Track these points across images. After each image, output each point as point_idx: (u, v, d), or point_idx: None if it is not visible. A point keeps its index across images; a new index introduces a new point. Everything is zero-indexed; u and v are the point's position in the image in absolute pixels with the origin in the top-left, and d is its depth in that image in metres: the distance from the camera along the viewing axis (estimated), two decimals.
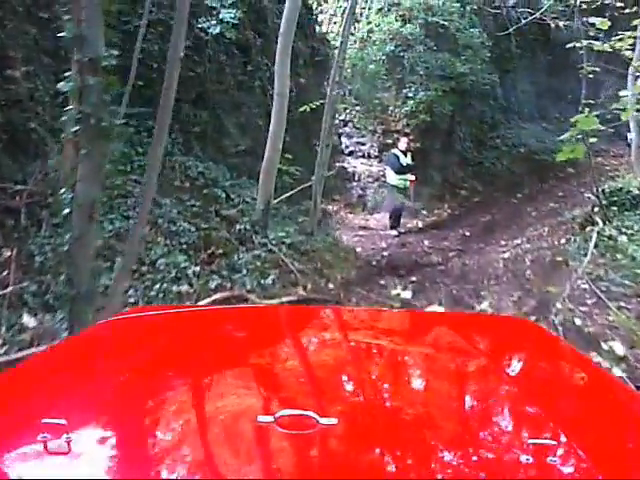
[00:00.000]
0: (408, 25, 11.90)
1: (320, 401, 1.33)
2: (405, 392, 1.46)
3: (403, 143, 11.70)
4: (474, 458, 1.16)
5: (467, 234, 11.99)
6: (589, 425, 1.32)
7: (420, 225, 12.69)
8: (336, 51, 9.04)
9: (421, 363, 1.70)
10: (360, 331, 1.99)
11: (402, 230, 12.27)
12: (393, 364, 1.65)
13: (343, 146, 13.67)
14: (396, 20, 11.87)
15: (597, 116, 19.33)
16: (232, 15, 6.19)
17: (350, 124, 13.37)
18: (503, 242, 11.03)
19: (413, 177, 11.61)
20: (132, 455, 1.15)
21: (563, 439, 1.19)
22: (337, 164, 13.69)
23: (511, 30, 12.99)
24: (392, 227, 11.92)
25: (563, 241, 8.68)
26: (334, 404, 1.32)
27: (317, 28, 8.85)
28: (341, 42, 6.67)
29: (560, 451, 1.11)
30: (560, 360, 1.80)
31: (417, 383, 1.58)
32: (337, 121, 12.82)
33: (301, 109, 7.02)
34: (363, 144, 13.33)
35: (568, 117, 17.91)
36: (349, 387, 1.49)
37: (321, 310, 2.81)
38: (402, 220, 12.64)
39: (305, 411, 1.15)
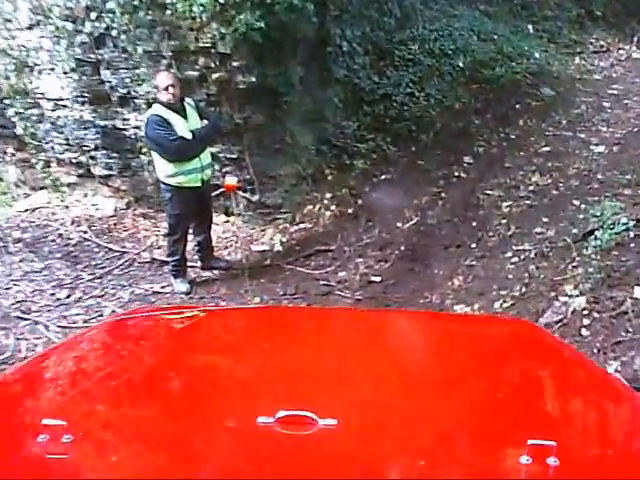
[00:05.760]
0: None
1: (320, 402, 1.37)
2: (404, 393, 1.49)
3: (167, 90, 5.24)
4: (474, 458, 1.22)
5: (375, 279, 5.66)
6: (589, 425, 1.39)
7: (278, 247, 6.29)
8: None
9: (421, 364, 1.74)
10: (359, 332, 2.02)
11: (222, 264, 6.17)
12: (392, 365, 1.68)
13: (107, 87, 6.77)
14: None
15: None
16: None
17: (110, 44, 6.44)
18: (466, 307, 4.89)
19: (234, 179, 5.19)
20: (132, 455, 1.21)
21: (563, 439, 1.20)
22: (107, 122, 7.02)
23: None
24: (174, 272, 5.83)
25: None
26: (334, 405, 1.37)
27: None
28: None
29: (560, 451, 1.12)
30: (560, 360, 1.83)
31: (417, 384, 1.59)
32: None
33: None
34: (142, 80, 6.47)
35: None
36: (348, 388, 1.51)
37: (321, 311, 3.02)
38: (239, 241, 6.26)
39: (305, 412, 1.22)
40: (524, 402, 1.45)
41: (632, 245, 4.62)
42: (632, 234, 4.70)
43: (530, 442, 1.12)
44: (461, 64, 7.94)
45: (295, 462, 1.17)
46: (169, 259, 5.71)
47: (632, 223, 4.82)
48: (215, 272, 6.00)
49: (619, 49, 10.79)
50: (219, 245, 6.43)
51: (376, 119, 7.22)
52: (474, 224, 6.00)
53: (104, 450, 1.22)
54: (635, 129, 7.11)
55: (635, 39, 10.92)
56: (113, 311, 5.33)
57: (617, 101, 8.16)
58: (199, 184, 5.38)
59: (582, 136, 7.17)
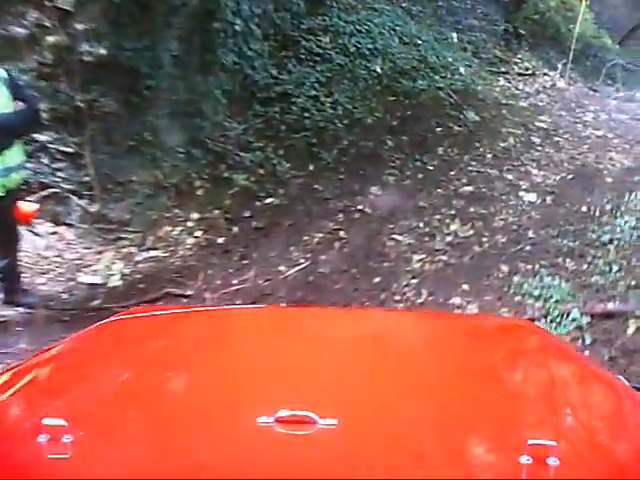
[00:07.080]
0: None
1: (320, 402, 1.33)
2: (405, 393, 1.45)
3: None
4: (475, 459, 1.21)
5: None
6: (589, 425, 1.36)
7: (116, 281, 4.81)
8: None
9: (421, 364, 1.70)
10: (360, 331, 2.00)
11: (31, 300, 4.52)
12: (393, 365, 1.63)
13: None
14: None
15: None
16: None
17: None
18: None
19: (32, 207, 3.62)
20: (132, 456, 1.19)
21: (563, 439, 1.18)
22: None
23: None
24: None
25: None
26: (334, 405, 1.34)
27: None
28: None
29: (560, 451, 1.08)
30: (560, 360, 1.80)
31: (417, 384, 1.52)
32: None
33: None
34: None
35: None
36: (349, 388, 1.47)
37: (321, 311, 2.99)
38: (63, 265, 4.62)
39: (305, 412, 1.18)
40: (524, 402, 1.42)
41: (587, 354, 3.49)
42: (588, 338, 3.57)
43: (530, 442, 1.06)
44: (378, 69, 6.69)
45: (295, 462, 1.13)
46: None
47: (585, 320, 3.69)
48: (20, 310, 4.35)
49: (544, 74, 10.05)
50: (35, 267, 4.78)
51: (268, 124, 5.87)
52: (377, 280, 4.72)
53: (105, 450, 1.16)
54: (570, 176, 6.13)
55: (559, 67, 10.19)
56: None
57: (547, 137, 7.21)
58: (1, 193, 3.73)
59: (510, 177, 6.10)
